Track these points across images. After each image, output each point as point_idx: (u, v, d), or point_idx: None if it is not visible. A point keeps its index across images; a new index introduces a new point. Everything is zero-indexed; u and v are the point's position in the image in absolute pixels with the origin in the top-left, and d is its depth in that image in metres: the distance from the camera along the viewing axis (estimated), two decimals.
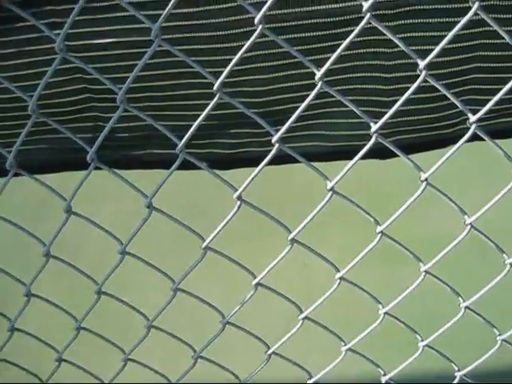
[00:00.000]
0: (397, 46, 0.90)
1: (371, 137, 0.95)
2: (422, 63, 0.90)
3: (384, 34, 0.90)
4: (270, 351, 1.18)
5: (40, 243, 1.12)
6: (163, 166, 1.44)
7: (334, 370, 1.24)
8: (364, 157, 1.44)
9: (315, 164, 1.37)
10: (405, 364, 1.21)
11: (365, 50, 1.30)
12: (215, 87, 0.91)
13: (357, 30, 0.87)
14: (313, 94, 0.90)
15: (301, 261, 2.62)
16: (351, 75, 1.35)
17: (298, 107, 1.46)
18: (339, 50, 0.88)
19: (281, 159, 1.47)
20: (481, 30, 1.28)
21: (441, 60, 1.31)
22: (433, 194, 1.02)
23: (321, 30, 1.23)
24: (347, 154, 1.44)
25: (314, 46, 1.26)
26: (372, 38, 1.28)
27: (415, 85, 0.91)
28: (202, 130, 1.47)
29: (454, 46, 1.29)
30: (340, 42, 1.34)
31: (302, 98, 1.47)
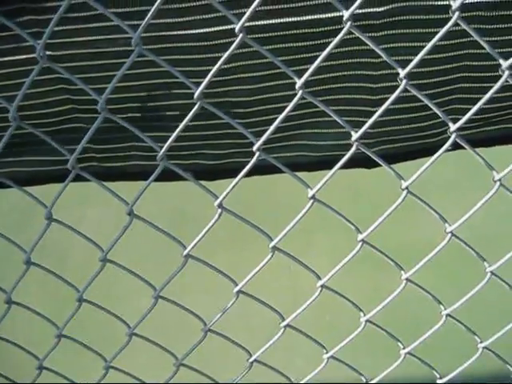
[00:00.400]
0: (382, 57, 0.90)
1: (352, 146, 0.95)
2: (402, 72, 0.90)
3: (368, 45, 0.90)
4: (251, 359, 1.18)
5: (21, 251, 1.12)
6: (146, 177, 1.44)
7: (319, 374, 1.25)
8: (348, 166, 1.45)
9: (300, 174, 1.38)
10: (387, 371, 1.21)
11: (351, 60, 1.31)
12: (195, 96, 0.91)
13: (336, 39, 0.87)
14: (293, 102, 0.90)
15: (286, 266, 2.62)
16: (337, 85, 1.36)
17: (286, 118, 1.47)
18: (319, 59, 0.88)
19: (264, 169, 1.47)
20: (467, 40, 1.29)
21: (427, 70, 1.32)
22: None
23: (307, 40, 1.24)
24: (332, 163, 1.45)
25: (299, 56, 1.26)
26: (358, 47, 1.28)
27: (395, 94, 0.91)
28: (185, 140, 1.48)
29: (441, 56, 1.30)
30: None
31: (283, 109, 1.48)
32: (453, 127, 0.95)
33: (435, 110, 0.97)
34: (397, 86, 0.92)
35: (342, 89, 1.33)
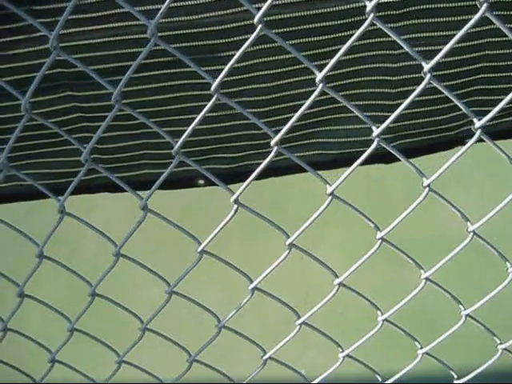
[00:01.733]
0: (402, 48, 0.87)
1: (373, 141, 0.92)
2: (426, 66, 0.87)
3: (389, 36, 0.87)
4: (265, 356, 1.16)
5: (34, 244, 1.10)
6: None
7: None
8: (367, 162, 1.42)
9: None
10: (403, 372, 1.18)
11: (370, 53, 1.27)
12: (212, 88, 0.88)
13: (360, 30, 0.84)
14: (313, 96, 0.88)
15: (298, 258, 2.60)
16: (356, 79, 1.32)
17: (304, 115, 1.44)
18: (341, 52, 0.86)
19: (279, 171, 1.44)
20: (488, 27, 1.25)
21: (447, 60, 1.28)
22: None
23: (326, 34, 1.20)
24: (350, 160, 1.43)
25: (318, 50, 1.23)
26: (377, 40, 1.25)
27: (419, 88, 0.88)
28: (201, 145, 1.44)
29: (461, 45, 1.26)
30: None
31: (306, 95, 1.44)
32: (478, 123, 0.92)
33: (459, 104, 0.93)
34: (416, 79, 0.89)
35: (360, 83, 1.30)
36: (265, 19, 0.83)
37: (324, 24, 1.19)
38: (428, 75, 0.88)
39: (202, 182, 1.45)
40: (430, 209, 2.60)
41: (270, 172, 1.42)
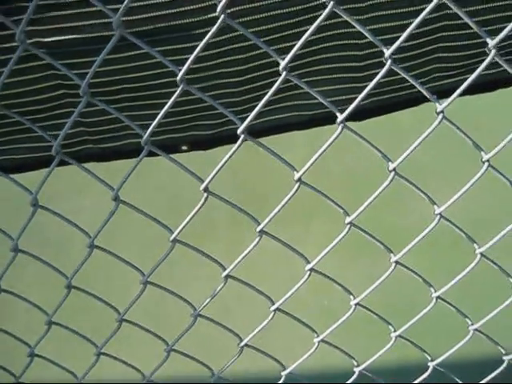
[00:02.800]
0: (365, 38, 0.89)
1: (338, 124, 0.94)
2: (387, 52, 0.89)
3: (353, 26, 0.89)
4: (242, 343, 1.17)
5: (9, 239, 1.11)
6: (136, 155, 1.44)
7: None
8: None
9: (298, 153, 1.36)
10: (377, 355, 1.20)
11: (336, 43, 1.30)
12: (178, 78, 0.90)
13: (319, 19, 0.86)
14: (276, 84, 0.90)
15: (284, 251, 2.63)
16: (324, 66, 1.35)
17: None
18: (301, 41, 0.87)
19: (256, 134, 1.47)
20: (443, 12, 1.28)
21: (407, 44, 1.31)
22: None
23: (287, 20, 1.23)
24: (326, 120, 1.44)
25: (281, 34, 1.25)
26: (344, 30, 1.27)
27: (380, 74, 0.91)
28: (181, 114, 1.47)
29: (420, 30, 1.29)
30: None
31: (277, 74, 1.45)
32: (439, 108, 0.94)
33: (419, 87, 0.95)
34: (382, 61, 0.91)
35: (328, 70, 1.32)
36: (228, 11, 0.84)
37: (290, 10, 1.22)
38: (389, 61, 0.90)
39: (185, 147, 1.47)
40: (410, 203, 2.64)
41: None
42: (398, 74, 1.39)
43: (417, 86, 0.92)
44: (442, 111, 0.94)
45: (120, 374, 1.95)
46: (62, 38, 1.31)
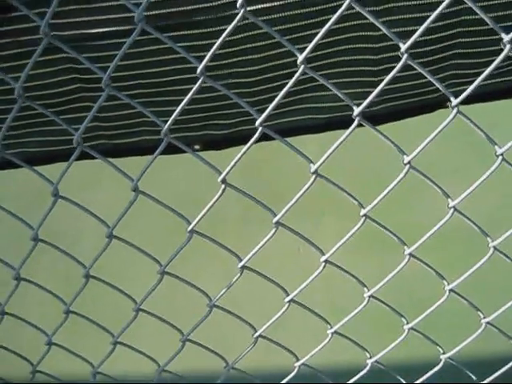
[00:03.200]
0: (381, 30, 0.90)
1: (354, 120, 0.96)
2: (403, 46, 0.91)
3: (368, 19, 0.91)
4: (256, 334, 1.19)
5: (29, 228, 1.13)
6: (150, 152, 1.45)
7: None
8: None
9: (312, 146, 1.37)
10: (390, 347, 1.22)
11: (352, 35, 1.31)
12: (198, 71, 0.92)
13: (337, 13, 0.87)
14: (294, 78, 0.91)
15: (295, 248, 2.64)
16: (340, 58, 1.36)
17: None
18: (320, 35, 0.89)
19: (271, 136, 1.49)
20: (462, 6, 1.28)
21: (424, 39, 1.32)
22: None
23: (306, 19, 1.24)
24: (342, 123, 1.46)
25: (300, 34, 1.27)
26: (358, 22, 1.28)
27: (397, 68, 0.92)
28: (195, 112, 1.49)
29: (437, 24, 1.30)
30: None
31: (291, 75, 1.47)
32: (454, 102, 0.95)
33: (435, 82, 0.96)
34: (395, 57, 0.93)
35: (344, 62, 1.33)
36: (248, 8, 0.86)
37: (305, 10, 1.23)
38: (405, 55, 0.91)
39: (197, 147, 1.49)
40: (425, 200, 2.65)
41: (261, 137, 1.47)
42: (412, 79, 1.41)
43: (431, 78, 0.93)
44: (456, 105, 0.95)
45: (133, 366, 1.97)
46: (81, 31, 1.33)
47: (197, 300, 1.18)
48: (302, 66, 0.91)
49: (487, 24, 0.90)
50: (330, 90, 1.44)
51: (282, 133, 1.35)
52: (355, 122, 0.96)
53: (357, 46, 1.32)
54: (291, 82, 0.91)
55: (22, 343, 1.61)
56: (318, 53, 1.31)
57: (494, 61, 1.37)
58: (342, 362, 2.10)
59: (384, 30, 0.91)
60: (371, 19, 0.90)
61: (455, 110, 0.96)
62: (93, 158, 1.42)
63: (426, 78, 1.39)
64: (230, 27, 0.89)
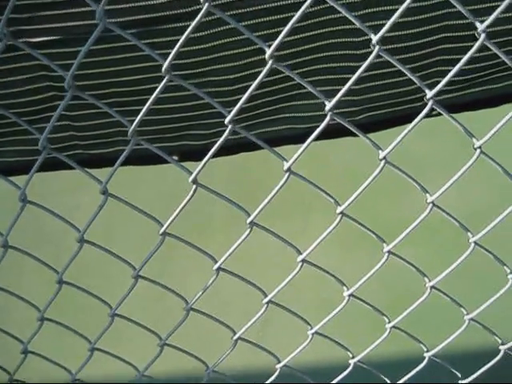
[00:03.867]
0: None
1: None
2: (374, 38, 0.88)
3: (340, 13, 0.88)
4: (235, 337, 1.16)
5: None
6: (133, 162, 1.41)
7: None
8: (334, 135, 1.41)
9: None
10: (372, 346, 1.19)
11: (329, 29, 1.28)
12: (163, 68, 0.89)
13: (304, 6, 0.84)
14: (263, 73, 0.88)
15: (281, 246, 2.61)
16: (317, 55, 1.33)
17: (267, 92, 1.43)
18: (287, 27, 0.86)
19: (248, 146, 1.46)
20: (446, 11, 1.26)
21: (408, 32, 1.29)
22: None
23: (279, 14, 1.21)
24: (321, 135, 1.43)
25: (274, 30, 1.23)
26: (334, 16, 1.25)
27: (368, 61, 0.89)
28: (171, 122, 1.46)
29: (421, 17, 1.27)
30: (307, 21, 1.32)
31: (272, 82, 1.44)
32: (429, 94, 0.92)
33: (412, 77, 0.94)
34: (379, 64, 0.90)
35: (322, 58, 1.30)
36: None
37: (277, 4, 1.20)
38: (377, 47, 0.88)
39: (176, 157, 1.46)
40: (409, 196, 2.63)
41: (241, 147, 1.43)
42: (394, 88, 1.38)
43: (406, 72, 0.90)
44: (431, 97, 0.93)
45: (114, 372, 1.94)
46: (49, 38, 1.30)
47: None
48: (270, 61, 0.88)
49: (471, 29, 0.89)
50: (307, 99, 1.41)
51: (256, 145, 1.33)
52: (327, 118, 0.93)
53: (337, 53, 1.29)
54: (258, 79, 0.88)
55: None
56: (293, 50, 1.28)
57: (478, 68, 1.35)
58: (328, 361, 2.08)
59: (357, 24, 0.88)
60: (343, 12, 0.87)
61: (430, 103, 0.93)
62: (69, 167, 1.40)
63: (406, 86, 1.36)
64: (195, 21, 0.86)
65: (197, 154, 1.49)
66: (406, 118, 1.44)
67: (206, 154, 1.52)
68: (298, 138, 1.46)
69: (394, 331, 1.21)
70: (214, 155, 1.51)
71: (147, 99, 1.36)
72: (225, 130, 1.50)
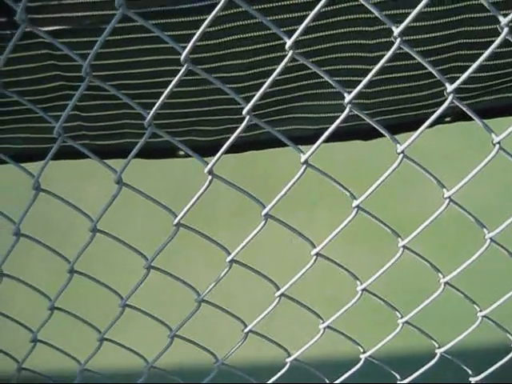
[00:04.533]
0: (377, 25, 0.87)
1: (349, 112, 0.92)
2: (396, 30, 0.87)
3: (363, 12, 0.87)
4: (246, 329, 1.16)
5: (11, 223, 1.10)
6: (140, 154, 1.41)
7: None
8: (344, 138, 1.41)
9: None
10: (384, 342, 1.19)
11: (348, 29, 1.27)
12: (182, 58, 0.88)
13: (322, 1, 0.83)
14: (283, 63, 0.87)
15: (288, 240, 2.61)
16: (333, 43, 1.32)
17: (280, 90, 1.42)
18: (309, 18, 0.85)
19: (260, 144, 1.45)
20: (466, 3, 1.24)
21: (427, 36, 1.28)
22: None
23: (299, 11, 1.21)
24: (332, 135, 1.43)
25: (291, 27, 1.22)
26: (354, 16, 1.25)
27: (390, 53, 0.88)
28: (181, 117, 1.45)
29: (440, 21, 1.26)
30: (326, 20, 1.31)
31: (285, 81, 1.43)
32: (450, 88, 0.92)
33: (433, 71, 0.93)
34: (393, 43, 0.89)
35: (335, 59, 1.29)
36: None
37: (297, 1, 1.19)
38: (398, 39, 0.87)
39: (182, 152, 1.46)
40: (421, 192, 2.62)
41: (251, 145, 1.43)
42: (406, 93, 1.36)
43: (430, 68, 0.89)
44: (452, 92, 0.92)
45: (123, 362, 1.94)
46: (62, 27, 1.29)
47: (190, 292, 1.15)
48: (291, 52, 0.87)
49: (493, 27, 0.88)
50: (319, 100, 1.40)
51: (270, 143, 1.32)
52: (347, 109, 0.92)
53: (353, 42, 1.28)
54: (279, 67, 0.87)
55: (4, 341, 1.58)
56: (311, 48, 1.27)
57: (495, 76, 1.34)
58: (338, 355, 2.08)
59: (376, 13, 0.87)
60: (364, 3, 0.86)
61: (450, 97, 0.92)
62: (77, 157, 1.38)
63: (423, 90, 1.35)
64: (216, 8, 0.85)
65: (204, 150, 1.48)
66: (420, 123, 1.43)
67: (212, 151, 1.51)
68: (308, 138, 1.45)
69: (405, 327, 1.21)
70: (223, 152, 1.51)
71: (159, 92, 1.36)
72: (233, 127, 1.49)
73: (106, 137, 1.49)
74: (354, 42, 1.30)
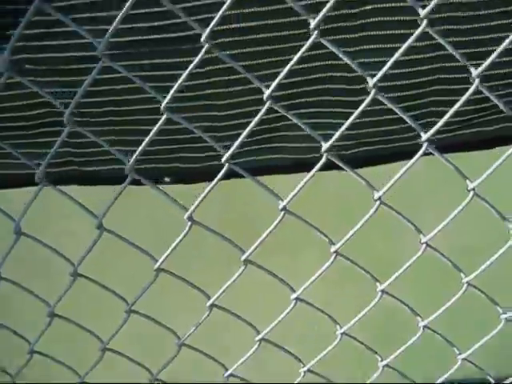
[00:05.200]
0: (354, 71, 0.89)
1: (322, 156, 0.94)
2: (371, 81, 0.89)
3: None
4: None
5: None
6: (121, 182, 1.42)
7: None
8: (322, 169, 1.42)
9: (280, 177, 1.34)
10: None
11: (325, 75, 1.29)
12: (162, 107, 0.90)
13: (304, 48, 0.85)
14: (260, 114, 0.89)
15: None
16: (311, 99, 1.34)
17: (260, 129, 1.44)
18: (287, 68, 0.87)
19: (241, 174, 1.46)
20: (440, 53, 1.27)
21: (399, 84, 1.30)
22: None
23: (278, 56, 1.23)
24: (309, 166, 1.44)
25: (270, 71, 1.25)
26: (333, 62, 1.27)
27: (363, 104, 0.90)
28: (164, 144, 1.46)
29: (414, 69, 1.29)
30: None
31: (263, 122, 1.44)
32: (424, 136, 0.93)
33: (406, 119, 0.95)
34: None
35: (316, 91, 1.31)
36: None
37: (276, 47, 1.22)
38: (373, 90, 0.89)
39: (167, 179, 1.46)
40: (403, 231, 2.61)
41: (231, 175, 1.44)
42: (389, 124, 1.38)
43: (404, 117, 0.92)
44: (426, 140, 0.94)
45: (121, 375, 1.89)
46: (48, 55, 1.30)
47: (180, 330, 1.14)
48: (268, 102, 0.89)
49: (464, 71, 0.90)
50: (299, 130, 1.42)
51: (250, 171, 1.33)
52: (323, 158, 0.94)
53: (329, 86, 1.30)
54: (256, 118, 0.89)
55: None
56: (289, 91, 1.29)
57: (471, 110, 1.36)
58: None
59: (350, 63, 0.89)
60: (336, 52, 0.88)
61: (425, 145, 0.94)
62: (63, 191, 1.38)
63: (398, 124, 1.37)
64: (195, 60, 0.87)
65: (189, 176, 1.49)
66: (405, 154, 1.44)
67: (198, 177, 1.52)
68: (287, 168, 1.46)
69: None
70: (203, 180, 1.51)
71: (140, 120, 1.37)
72: (216, 156, 1.50)
73: (94, 163, 1.48)
74: (335, 86, 1.32)
